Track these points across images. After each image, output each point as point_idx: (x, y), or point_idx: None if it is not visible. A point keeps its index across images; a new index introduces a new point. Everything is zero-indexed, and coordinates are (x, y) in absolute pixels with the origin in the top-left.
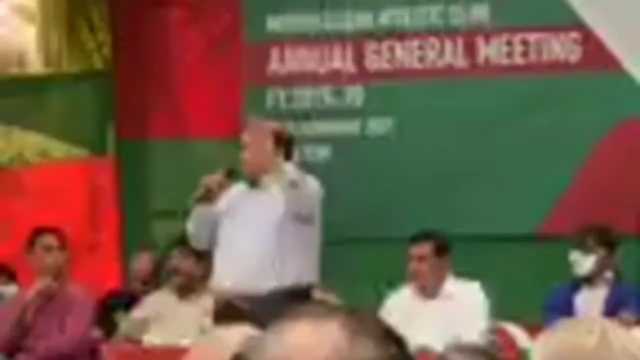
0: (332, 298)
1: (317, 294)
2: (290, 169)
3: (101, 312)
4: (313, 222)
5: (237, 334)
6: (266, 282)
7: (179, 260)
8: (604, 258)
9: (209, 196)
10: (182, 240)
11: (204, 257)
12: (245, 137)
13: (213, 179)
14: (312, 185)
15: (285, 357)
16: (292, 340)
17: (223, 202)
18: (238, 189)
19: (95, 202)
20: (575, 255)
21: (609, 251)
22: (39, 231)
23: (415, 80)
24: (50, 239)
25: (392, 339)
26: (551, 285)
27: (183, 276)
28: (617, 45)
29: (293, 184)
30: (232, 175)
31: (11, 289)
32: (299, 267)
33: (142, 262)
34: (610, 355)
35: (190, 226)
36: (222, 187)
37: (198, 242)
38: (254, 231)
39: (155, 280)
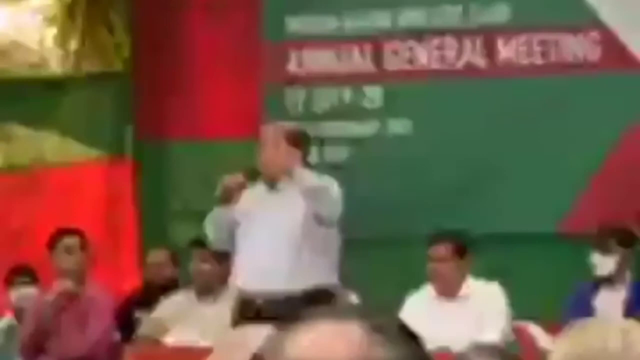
0: (353, 299)
1: (338, 295)
2: (306, 175)
3: (120, 313)
4: (333, 224)
5: (258, 335)
6: (286, 284)
7: (199, 262)
8: (624, 259)
9: (228, 197)
10: (200, 242)
11: (223, 258)
12: (261, 140)
13: (233, 179)
14: (335, 190)
15: (304, 358)
16: (312, 341)
17: (242, 203)
18: (257, 190)
19: (113, 203)
20: (595, 257)
21: (629, 252)
22: (60, 232)
23: (435, 80)
24: (71, 240)
25: (411, 339)
26: (571, 285)
27: (203, 278)
28: (636, 44)
29: (310, 192)
30: (252, 175)
31: (32, 291)
32: (318, 269)
33: (160, 256)
34: (631, 357)
35: (209, 227)
36: (242, 187)
37: (217, 243)
38: (273, 233)
39: (174, 273)
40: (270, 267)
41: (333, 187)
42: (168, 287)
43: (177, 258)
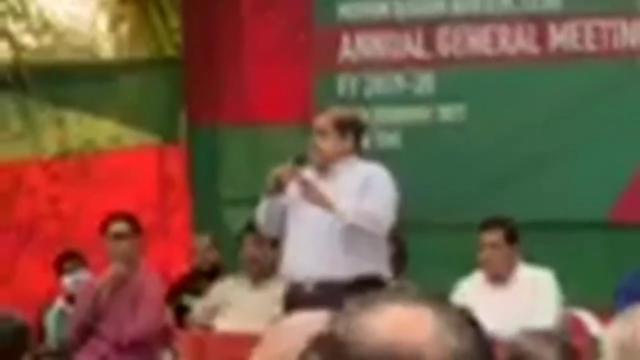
0: (409, 285)
1: (392, 282)
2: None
3: (172, 297)
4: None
5: (310, 320)
6: (333, 271)
7: (251, 248)
8: None
9: (280, 186)
10: (253, 227)
11: (275, 244)
12: (319, 126)
13: (283, 169)
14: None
15: (388, 339)
16: (392, 323)
17: (292, 189)
18: (307, 176)
19: (166, 188)
20: None
21: None
22: (112, 218)
23: (487, 66)
24: (123, 226)
25: (473, 325)
26: (622, 273)
27: (255, 263)
28: None
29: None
30: (301, 162)
31: (81, 276)
32: (367, 256)
33: (204, 242)
34: None
35: (261, 217)
36: (292, 176)
37: (268, 231)
38: (323, 219)
39: (217, 257)
40: (318, 255)
41: (383, 195)
42: (213, 272)
43: (218, 242)
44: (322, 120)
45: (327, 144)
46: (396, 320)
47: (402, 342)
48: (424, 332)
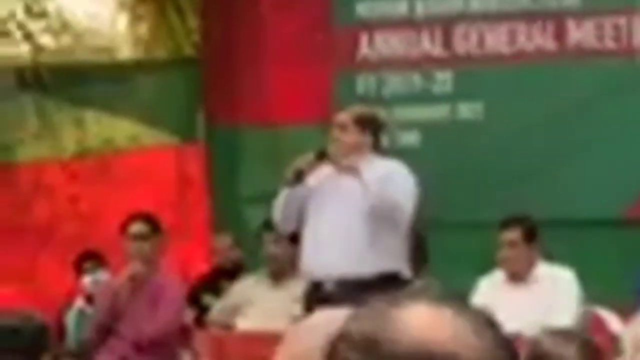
0: (433, 282)
1: (416, 281)
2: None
3: (190, 296)
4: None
5: (331, 318)
6: (357, 268)
7: (270, 246)
8: None
9: (300, 178)
10: (271, 225)
11: (295, 241)
12: (339, 121)
13: (304, 160)
14: (404, 188)
15: (418, 337)
16: (424, 319)
17: (312, 182)
18: (326, 171)
19: (184, 188)
20: None
21: None
22: (132, 218)
23: (505, 64)
24: (143, 226)
25: (492, 326)
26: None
27: (275, 261)
28: None
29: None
30: (323, 157)
31: (101, 275)
32: (389, 253)
33: (225, 241)
34: None
35: (277, 213)
36: (312, 168)
37: (284, 227)
38: (342, 215)
39: (239, 256)
40: (338, 251)
41: (403, 186)
42: (235, 271)
43: (240, 241)
44: (343, 116)
45: (348, 137)
46: (425, 318)
47: (435, 340)
48: (448, 332)
